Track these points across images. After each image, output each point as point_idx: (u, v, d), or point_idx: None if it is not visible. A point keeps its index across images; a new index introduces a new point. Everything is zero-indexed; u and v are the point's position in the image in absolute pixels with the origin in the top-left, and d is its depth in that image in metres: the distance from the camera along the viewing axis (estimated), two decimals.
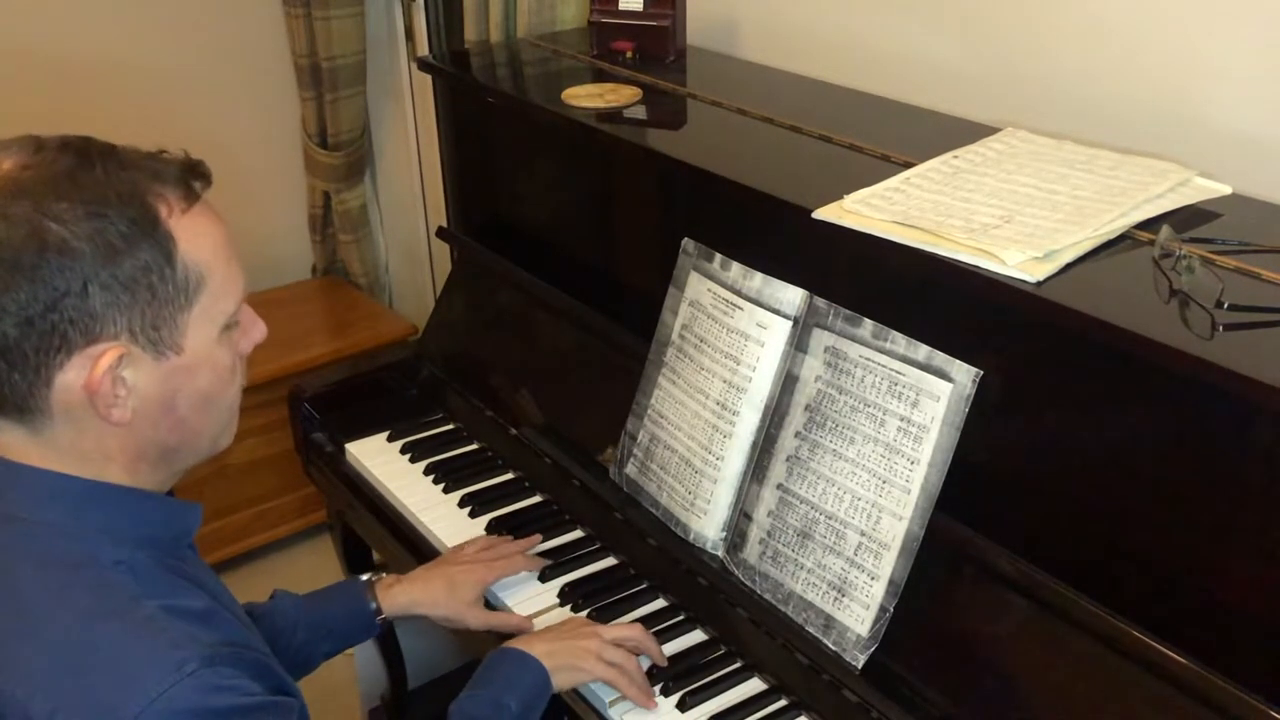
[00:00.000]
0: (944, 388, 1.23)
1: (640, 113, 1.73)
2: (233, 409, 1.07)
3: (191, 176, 0.99)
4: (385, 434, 1.86)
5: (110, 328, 0.93)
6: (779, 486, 1.38)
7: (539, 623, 1.47)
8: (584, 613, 1.48)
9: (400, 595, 1.44)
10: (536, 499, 1.71)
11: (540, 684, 1.27)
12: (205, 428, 1.04)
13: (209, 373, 1.01)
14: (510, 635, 1.43)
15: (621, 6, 1.91)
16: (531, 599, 1.51)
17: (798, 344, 1.38)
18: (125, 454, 1.00)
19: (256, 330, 1.07)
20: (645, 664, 1.37)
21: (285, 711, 0.98)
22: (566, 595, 1.51)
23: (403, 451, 1.82)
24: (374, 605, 1.43)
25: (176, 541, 1.06)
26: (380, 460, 1.81)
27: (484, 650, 1.53)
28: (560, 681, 1.28)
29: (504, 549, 1.54)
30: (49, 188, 0.91)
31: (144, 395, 0.97)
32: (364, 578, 1.46)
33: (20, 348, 0.91)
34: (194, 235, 0.96)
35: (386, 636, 1.91)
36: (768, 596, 1.38)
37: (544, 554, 1.58)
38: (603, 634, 1.34)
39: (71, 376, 0.94)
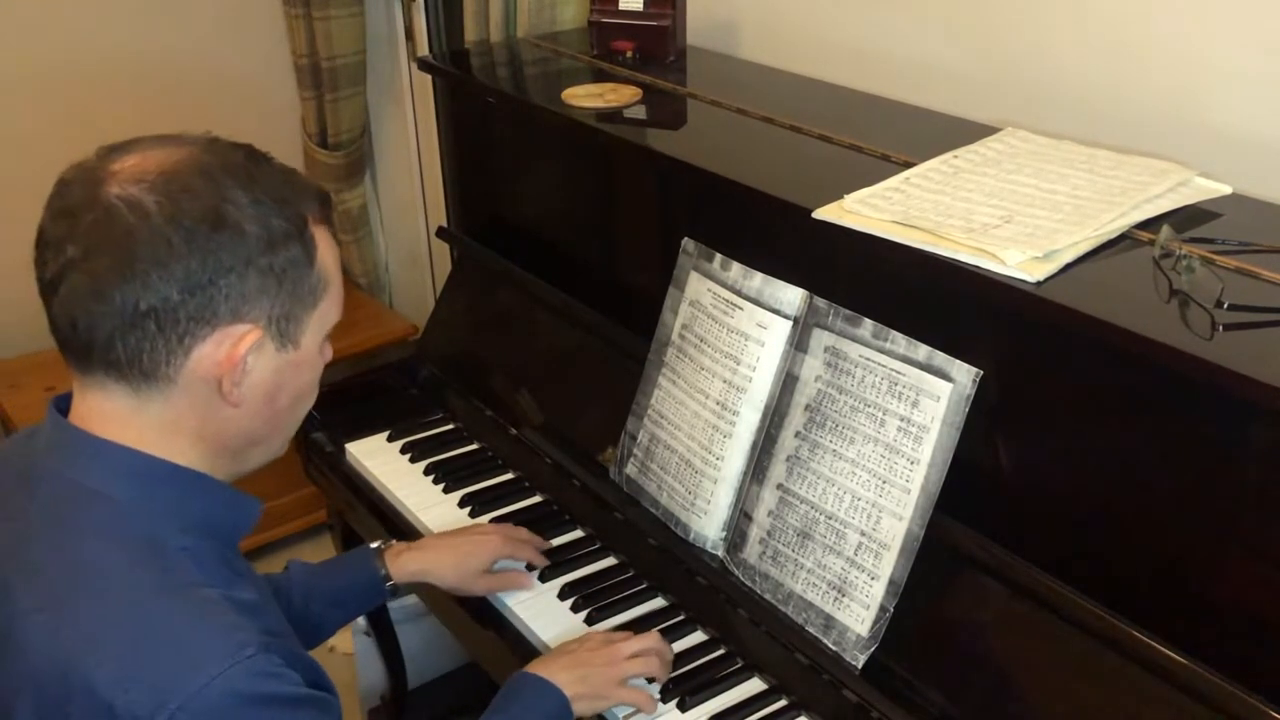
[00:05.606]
0: (944, 388, 1.23)
1: (640, 113, 1.73)
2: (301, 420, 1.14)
3: (324, 200, 1.09)
4: (385, 434, 1.86)
5: (254, 310, 1.00)
6: (779, 486, 1.38)
7: (539, 621, 1.48)
8: (583, 613, 1.48)
9: (410, 563, 1.48)
10: (536, 499, 1.71)
11: (561, 714, 1.27)
12: (289, 426, 1.11)
13: (309, 374, 1.09)
14: (528, 649, 1.44)
15: (621, 6, 1.91)
16: (532, 599, 1.51)
17: (798, 344, 1.38)
18: (219, 438, 1.05)
19: (329, 350, 1.14)
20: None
21: (327, 708, 1.01)
22: (566, 594, 1.51)
23: (403, 451, 1.82)
24: (383, 572, 1.47)
25: (233, 533, 1.10)
26: (380, 460, 1.81)
27: (488, 654, 1.54)
28: (580, 709, 1.28)
29: (518, 532, 1.57)
30: (228, 174, 1.00)
31: (256, 382, 1.03)
32: (374, 545, 1.50)
33: (176, 312, 0.96)
34: (324, 247, 1.06)
35: (386, 636, 1.91)
36: (768, 596, 1.38)
37: (544, 554, 1.57)
38: (622, 650, 1.33)
39: (208, 350, 0.99)
